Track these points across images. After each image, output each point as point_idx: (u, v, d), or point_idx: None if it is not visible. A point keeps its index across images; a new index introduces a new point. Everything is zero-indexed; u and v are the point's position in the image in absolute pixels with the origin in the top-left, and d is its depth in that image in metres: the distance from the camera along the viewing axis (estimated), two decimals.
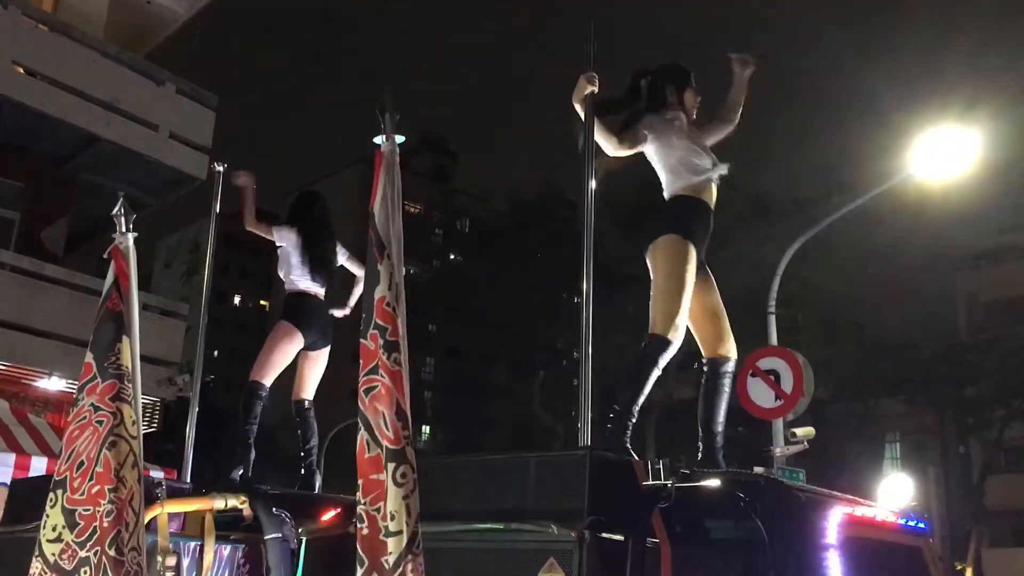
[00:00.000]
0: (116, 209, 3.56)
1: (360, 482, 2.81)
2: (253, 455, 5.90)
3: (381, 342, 2.85)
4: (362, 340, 2.88)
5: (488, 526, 3.12)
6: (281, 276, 6.13)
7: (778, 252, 11.87)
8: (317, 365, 6.14)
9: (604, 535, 2.87)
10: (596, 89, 4.16)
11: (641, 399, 4.09)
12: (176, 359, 13.83)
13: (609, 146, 4.43)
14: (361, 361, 2.85)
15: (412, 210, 50.15)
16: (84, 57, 13.76)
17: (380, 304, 2.87)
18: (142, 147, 13.96)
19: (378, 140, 2.95)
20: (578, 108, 4.25)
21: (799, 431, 10.05)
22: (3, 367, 12.52)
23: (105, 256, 3.52)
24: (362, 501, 2.78)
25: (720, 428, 4.22)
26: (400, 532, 2.70)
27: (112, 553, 3.10)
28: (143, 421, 12.20)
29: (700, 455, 4.16)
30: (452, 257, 46.16)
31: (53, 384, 11.74)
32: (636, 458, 3.96)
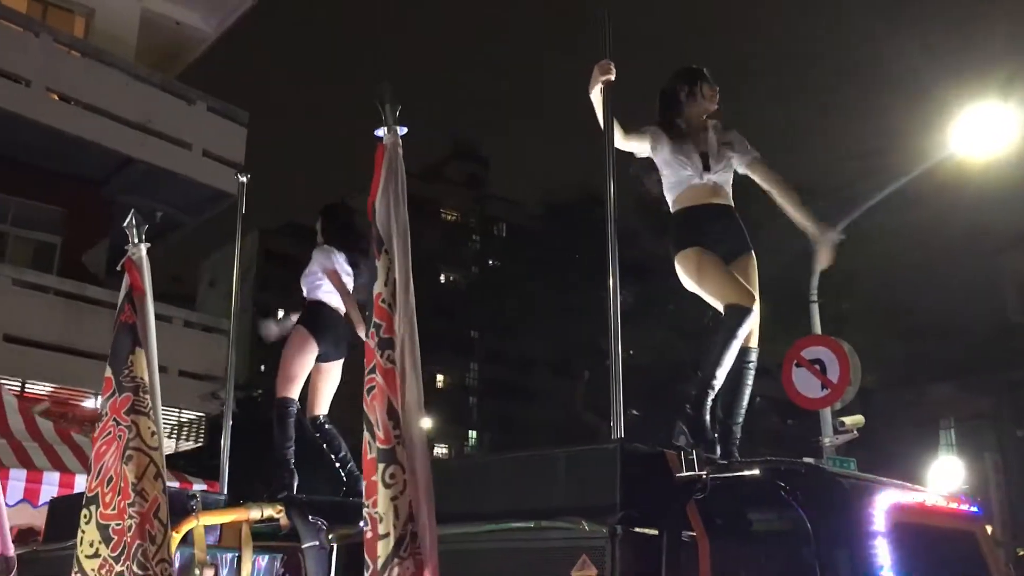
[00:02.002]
0: (127, 221, 3.54)
1: (364, 484, 2.75)
2: (295, 474, 5.77)
3: (376, 340, 2.78)
4: (365, 339, 2.82)
5: (519, 525, 3.03)
6: (302, 287, 6.05)
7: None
8: (330, 379, 5.97)
9: (637, 529, 2.76)
10: (612, 77, 4.05)
11: (720, 372, 3.97)
12: (219, 374, 13.94)
13: (628, 147, 4.36)
14: (365, 360, 2.78)
15: (448, 218, 50.27)
16: (116, 80, 13.97)
17: (376, 301, 2.80)
18: (176, 166, 14.14)
19: (379, 132, 2.87)
20: (595, 100, 4.15)
21: (848, 420, 9.84)
22: (50, 389, 12.73)
23: (118, 269, 3.49)
24: (366, 504, 2.71)
25: (739, 421, 4.06)
26: (388, 535, 2.60)
27: (136, 568, 3.07)
28: (190, 436, 12.22)
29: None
30: (490, 263, 46.18)
31: (97, 404, 11.88)
32: (715, 435, 3.89)
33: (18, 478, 7.45)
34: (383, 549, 2.60)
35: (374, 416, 2.70)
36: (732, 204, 4.41)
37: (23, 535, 6.48)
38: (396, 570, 2.57)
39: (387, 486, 2.63)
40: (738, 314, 4.01)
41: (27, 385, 12.40)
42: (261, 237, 47.13)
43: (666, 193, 4.43)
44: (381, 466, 2.65)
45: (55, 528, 5.12)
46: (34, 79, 13.02)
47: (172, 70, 16.49)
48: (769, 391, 13.81)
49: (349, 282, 5.89)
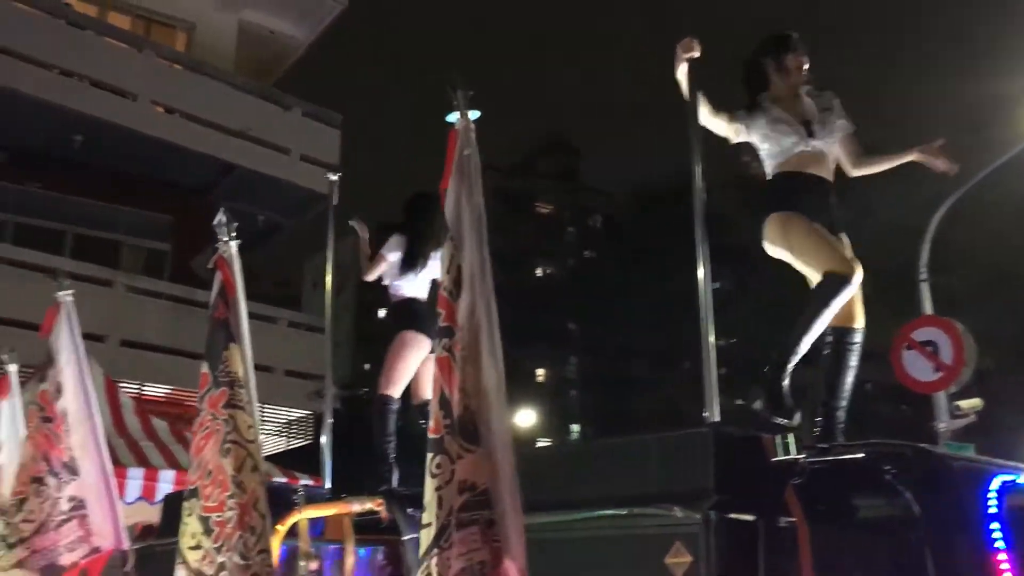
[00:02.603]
0: (216, 219, 3.62)
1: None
2: (395, 468, 5.86)
3: (436, 328, 2.76)
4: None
5: (611, 512, 2.98)
6: (386, 284, 6.10)
7: (926, 215, 11.15)
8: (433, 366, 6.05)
9: (732, 515, 2.69)
10: (697, 54, 3.95)
11: (806, 340, 3.82)
12: (324, 373, 14.25)
13: (717, 127, 4.24)
14: None
15: (543, 211, 50.25)
16: (217, 90, 14.46)
17: (439, 289, 2.78)
18: (275, 171, 14.54)
19: (451, 118, 2.85)
20: (681, 79, 4.04)
21: (964, 404, 9.38)
22: (166, 391, 13.26)
23: (210, 267, 3.58)
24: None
25: (842, 404, 3.85)
26: (430, 524, 2.57)
27: (237, 559, 3.15)
28: (298, 434, 12.52)
29: (817, 436, 3.83)
30: (586, 254, 45.99)
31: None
32: (791, 403, 3.75)
33: (136, 476, 7.77)
34: (425, 538, 2.57)
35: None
36: (833, 181, 4.22)
37: (145, 532, 6.74)
38: (434, 560, 2.52)
39: (433, 476, 2.59)
40: (836, 283, 3.81)
41: (144, 388, 12.94)
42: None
43: (767, 165, 4.25)
44: (429, 455, 2.63)
45: (169, 523, 5.30)
46: (140, 93, 13.57)
47: (268, 78, 16.96)
48: (880, 376, 13.34)
49: (406, 279, 5.93)
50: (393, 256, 6.01)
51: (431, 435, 2.66)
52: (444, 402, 2.66)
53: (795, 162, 4.13)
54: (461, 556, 2.52)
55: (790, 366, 3.82)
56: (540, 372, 45.15)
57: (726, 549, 2.63)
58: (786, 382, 3.80)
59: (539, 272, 47.27)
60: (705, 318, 3.49)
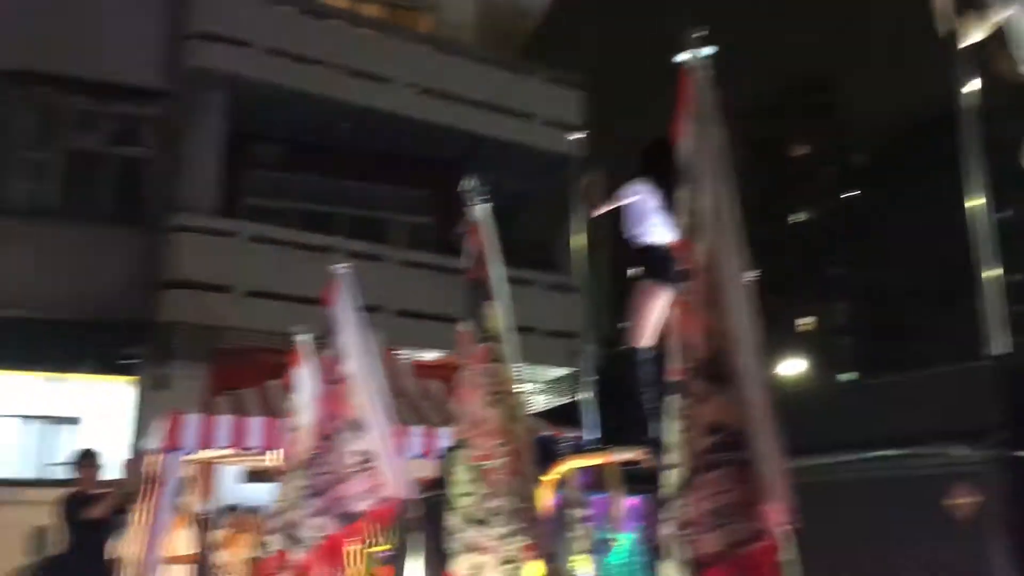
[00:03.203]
0: (465, 184, 3.78)
1: None
2: (657, 420, 5.88)
3: (676, 273, 2.71)
4: None
5: (887, 453, 2.83)
6: (630, 231, 6.07)
7: None
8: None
9: (1021, 453, 2.46)
10: None
11: None
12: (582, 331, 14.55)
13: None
14: None
15: (799, 153, 47.98)
16: (462, 66, 15.05)
17: (678, 234, 2.72)
18: (521, 137, 14.92)
19: (683, 57, 2.76)
20: None
21: None
22: (438, 355, 14.05)
23: (464, 231, 3.75)
24: None
25: None
26: (677, 467, 2.54)
27: (507, 504, 3.31)
28: (560, 392, 12.89)
29: None
30: (848, 194, 43.45)
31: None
32: None
33: (416, 434, 8.35)
34: (672, 480, 2.56)
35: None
36: None
37: (425, 485, 7.24)
38: (683, 502, 2.50)
39: (678, 418, 2.57)
40: None
41: (418, 353, 13.80)
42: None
43: None
44: (673, 398, 2.62)
45: (446, 475, 5.64)
46: (392, 76, 14.38)
47: (509, 47, 17.36)
48: None
49: (647, 226, 5.84)
50: (634, 203, 5.98)
51: (674, 378, 2.65)
52: (686, 345, 2.64)
53: None
54: (709, 498, 2.49)
55: None
56: (806, 320, 43.37)
57: (1014, 488, 2.42)
58: None
59: (798, 216, 45.28)
60: (985, 246, 3.21)
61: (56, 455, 11.84)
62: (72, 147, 13.11)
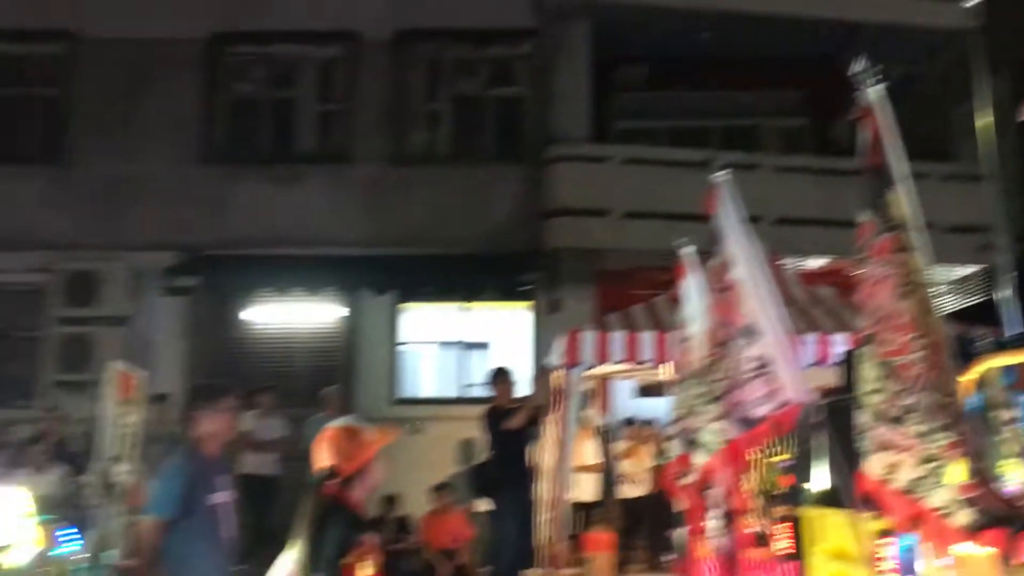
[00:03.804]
0: (853, 68, 3.52)
1: None
2: None
3: None
4: None
5: None
6: None
7: None
8: None
9: None
10: None
11: None
12: (989, 224, 13.14)
13: None
14: None
15: None
16: None
17: None
18: (901, 16, 13.63)
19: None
20: None
21: None
22: (825, 261, 13.44)
23: (855, 118, 3.51)
24: None
25: None
26: None
27: (929, 399, 3.10)
28: (968, 291, 11.89)
29: None
30: None
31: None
32: None
33: (809, 341, 8.13)
34: None
35: None
36: None
37: (824, 393, 7.04)
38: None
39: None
40: None
41: (803, 260, 13.29)
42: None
43: None
44: None
45: (848, 379, 5.44)
46: None
47: None
48: None
49: None
50: None
51: None
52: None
53: None
54: None
55: None
56: None
57: None
58: None
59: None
60: None
61: (471, 376, 13.15)
62: (455, 94, 14.18)
